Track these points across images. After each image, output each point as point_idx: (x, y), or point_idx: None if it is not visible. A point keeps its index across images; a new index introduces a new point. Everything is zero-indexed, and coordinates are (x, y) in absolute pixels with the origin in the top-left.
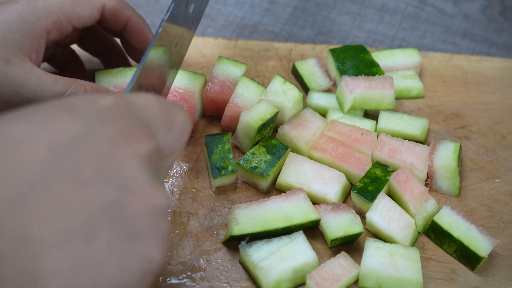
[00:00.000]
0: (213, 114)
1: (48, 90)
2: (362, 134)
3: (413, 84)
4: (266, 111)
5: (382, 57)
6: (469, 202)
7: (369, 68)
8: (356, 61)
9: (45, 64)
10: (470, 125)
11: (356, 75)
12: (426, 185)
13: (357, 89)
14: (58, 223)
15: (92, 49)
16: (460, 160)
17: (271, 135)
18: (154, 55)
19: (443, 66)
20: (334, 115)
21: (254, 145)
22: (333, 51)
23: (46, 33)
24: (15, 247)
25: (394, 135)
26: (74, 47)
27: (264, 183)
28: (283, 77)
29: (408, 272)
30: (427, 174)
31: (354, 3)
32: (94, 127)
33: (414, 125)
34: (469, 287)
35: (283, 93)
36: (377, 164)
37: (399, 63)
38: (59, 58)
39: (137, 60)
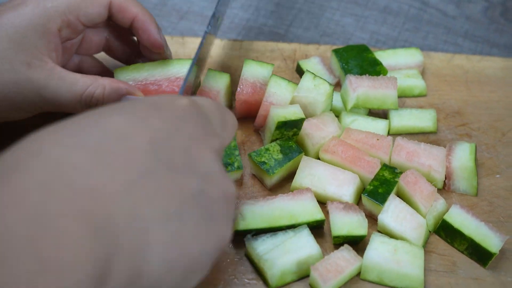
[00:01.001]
0: (245, 116)
1: (68, 90)
2: (377, 139)
3: (415, 83)
4: (294, 113)
5: (385, 56)
6: (469, 197)
7: (373, 67)
8: (359, 60)
9: None
10: (471, 122)
11: (360, 74)
12: (444, 186)
13: (360, 88)
14: (161, 205)
15: (119, 56)
16: (476, 160)
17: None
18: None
19: (444, 65)
20: (348, 119)
21: (272, 142)
22: (336, 51)
23: (58, 32)
24: (128, 224)
25: (408, 130)
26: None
27: (269, 180)
28: (312, 73)
29: (409, 268)
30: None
31: (358, 5)
32: (181, 125)
33: (425, 117)
34: (469, 279)
35: (315, 88)
36: (384, 166)
37: (402, 62)
38: (87, 69)
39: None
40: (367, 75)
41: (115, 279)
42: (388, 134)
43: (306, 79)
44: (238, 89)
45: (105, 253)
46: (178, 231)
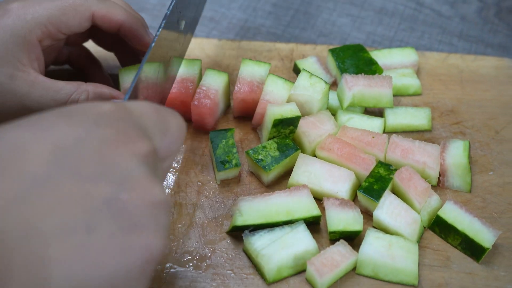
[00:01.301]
0: (242, 115)
1: (52, 99)
2: (373, 137)
3: (411, 82)
4: (290, 111)
5: (381, 56)
6: (463, 193)
7: (368, 66)
8: (355, 59)
9: (65, 66)
10: (465, 121)
11: (356, 73)
12: (439, 183)
13: (356, 86)
14: (62, 216)
15: (105, 44)
16: (470, 157)
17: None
18: (148, 70)
19: (439, 65)
20: (344, 117)
21: (269, 140)
22: (332, 51)
23: (38, 43)
24: (23, 239)
25: (404, 128)
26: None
27: (266, 177)
28: (309, 72)
29: (404, 263)
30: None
31: (354, 5)
32: (92, 130)
33: (420, 116)
34: (462, 273)
35: (311, 86)
36: (380, 163)
37: (397, 61)
38: (76, 59)
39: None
40: (362, 74)
41: None
42: (384, 132)
43: (303, 78)
44: (236, 88)
45: None
46: (86, 244)
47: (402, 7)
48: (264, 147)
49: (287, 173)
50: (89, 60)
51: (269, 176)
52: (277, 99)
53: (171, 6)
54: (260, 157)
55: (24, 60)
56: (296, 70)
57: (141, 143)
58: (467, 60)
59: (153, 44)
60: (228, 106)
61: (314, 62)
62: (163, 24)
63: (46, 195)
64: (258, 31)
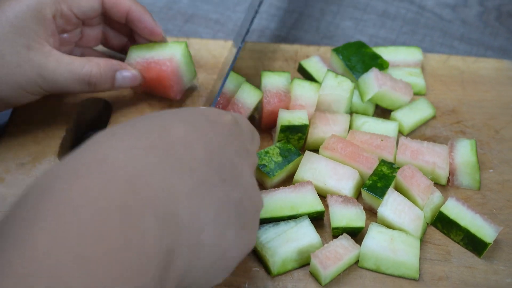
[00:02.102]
0: (270, 127)
1: (66, 69)
2: (382, 140)
3: (416, 81)
4: (299, 118)
5: (386, 53)
6: (464, 190)
7: (374, 60)
8: (360, 56)
9: None
10: (466, 120)
11: (364, 68)
12: (448, 182)
13: (384, 85)
14: (213, 210)
15: (116, 47)
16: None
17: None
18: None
19: (440, 66)
20: (359, 121)
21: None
22: (336, 50)
23: (53, 19)
24: (190, 222)
25: (417, 125)
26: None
27: (269, 182)
28: (333, 72)
29: (405, 256)
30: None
31: (357, 9)
32: (228, 140)
33: (424, 107)
34: (462, 267)
35: (338, 86)
36: (383, 162)
37: (402, 59)
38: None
39: None
40: (389, 74)
41: (175, 270)
42: (404, 134)
43: (329, 78)
44: (265, 101)
45: (171, 244)
46: (224, 234)
47: (404, 10)
48: (267, 152)
49: (289, 178)
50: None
51: (272, 182)
52: (308, 101)
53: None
54: (263, 162)
55: (40, 33)
56: (301, 71)
57: (252, 156)
58: (468, 62)
59: (237, 54)
60: (251, 118)
61: (318, 61)
62: (245, 38)
63: (205, 192)
64: (262, 33)
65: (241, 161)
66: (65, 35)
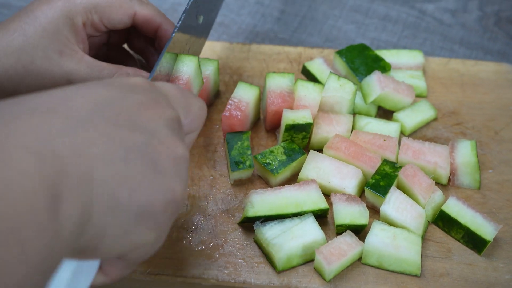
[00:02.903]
0: (275, 127)
1: (97, 76)
2: (384, 140)
3: (418, 84)
4: (303, 117)
5: (388, 55)
6: (464, 189)
7: (377, 63)
8: (363, 58)
9: None
10: (466, 122)
11: (367, 70)
12: (449, 182)
13: (387, 88)
14: (104, 148)
15: (138, 50)
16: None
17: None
18: (167, 60)
19: (441, 69)
20: (362, 121)
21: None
22: (339, 53)
23: (83, 27)
24: (74, 158)
25: (419, 126)
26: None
27: (273, 180)
28: (336, 74)
29: (407, 253)
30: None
31: (359, 13)
32: (128, 94)
33: (425, 108)
34: (463, 264)
35: (341, 88)
36: (385, 161)
37: (404, 62)
38: (114, 58)
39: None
40: (392, 77)
41: (67, 208)
42: (406, 135)
43: (331, 80)
44: (269, 101)
45: (53, 175)
46: (123, 173)
47: (405, 15)
48: (272, 151)
49: (293, 177)
50: (127, 59)
51: (276, 179)
52: (312, 102)
53: (191, 1)
54: (267, 161)
55: (72, 39)
56: (305, 72)
57: (168, 110)
58: (467, 65)
59: (173, 34)
60: (257, 119)
61: (321, 63)
62: (183, 17)
63: (89, 130)
64: (266, 36)
65: (148, 111)
66: (93, 38)
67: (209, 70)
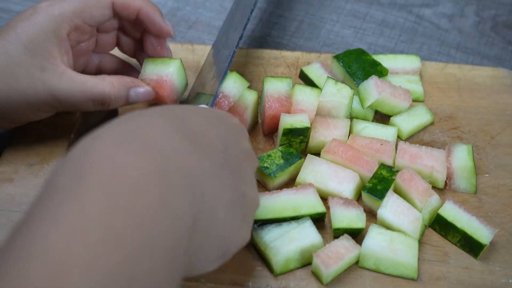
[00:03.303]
0: (273, 131)
1: (79, 89)
2: (381, 144)
3: (415, 88)
4: (300, 121)
5: (386, 60)
6: (460, 193)
7: (374, 67)
8: (360, 63)
9: None
10: (462, 126)
11: (364, 75)
12: (445, 186)
13: (384, 92)
14: (225, 195)
15: (128, 51)
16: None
17: (302, 147)
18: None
19: (438, 73)
20: (359, 126)
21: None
22: (336, 57)
23: (67, 37)
24: (211, 199)
25: (416, 130)
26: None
27: (271, 184)
28: (333, 79)
29: (404, 256)
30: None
31: (356, 18)
32: (237, 138)
33: (422, 113)
34: (459, 267)
35: (338, 92)
36: (382, 165)
37: (401, 66)
38: (108, 67)
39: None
40: (389, 81)
41: (196, 238)
42: (403, 139)
43: (329, 85)
44: (266, 105)
45: (196, 213)
46: (230, 220)
47: (402, 20)
48: (269, 155)
49: (291, 181)
50: (120, 65)
51: (274, 183)
52: (309, 106)
53: (246, 23)
54: (265, 165)
55: (54, 54)
56: (302, 77)
57: (255, 160)
58: (464, 70)
59: (233, 54)
60: (255, 123)
61: (319, 68)
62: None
63: (221, 175)
64: (264, 40)
65: (246, 161)
66: (81, 44)
67: (248, 102)
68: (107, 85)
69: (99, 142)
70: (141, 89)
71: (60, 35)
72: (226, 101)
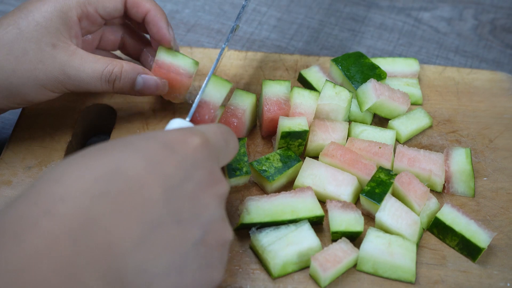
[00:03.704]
0: (271, 134)
1: (90, 67)
2: (380, 148)
3: (413, 92)
4: (299, 124)
5: (384, 63)
6: (459, 197)
7: (372, 71)
8: (358, 66)
9: None
10: (461, 129)
11: (363, 78)
12: (444, 189)
13: (382, 95)
14: (166, 259)
15: (132, 53)
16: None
17: (300, 150)
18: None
19: (436, 77)
20: (357, 129)
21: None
22: (335, 60)
23: (78, 21)
24: (136, 277)
25: (414, 133)
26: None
27: (269, 187)
28: (332, 82)
29: (402, 260)
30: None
31: (355, 21)
32: (190, 172)
33: (420, 116)
34: (457, 271)
35: (336, 95)
36: (380, 169)
37: (399, 70)
38: None
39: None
40: (387, 85)
41: None
42: (401, 142)
43: (327, 88)
44: (265, 108)
45: None
46: (178, 282)
47: (401, 23)
48: (268, 158)
49: (289, 184)
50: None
51: (272, 186)
52: (308, 110)
53: (233, 29)
54: (263, 168)
55: (65, 33)
56: (301, 80)
57: (222, 186)
58: (462, 73)
59: (219, 57)
60: (254, 126)
61: (318, 71)
62: (229, 37)
63: (156, 240)
64: (263, 43)
65: (206, 193)
66: (88, 36)
67: (246, 104)
68: (117, 64)
69: (18, 201)
70: (149, 77)
71: (71, 18)
72: (207, 108)
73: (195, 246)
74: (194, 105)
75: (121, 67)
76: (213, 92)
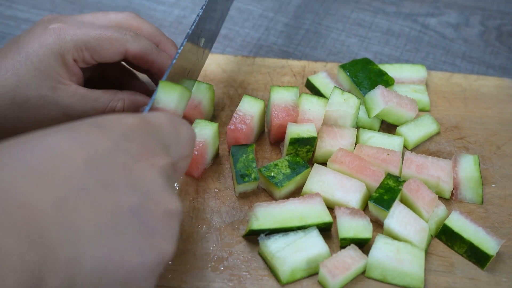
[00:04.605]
0: (279, 141)
1: (92, 108)
2: (388, 154)
3: (421, 98)
4: (307, 131)
5: (392, 70)
6: (467, 204)
7: (380, 77)
8: (366, 72)
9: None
10: (468, 136)
11: (370, 85)
12: (452, 196)
13: (390, 102)
14: (95, 220)
15: (137, 67)
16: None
17: (308, 156)
18: (165, 89)
19: (443, 83)
20: (365, 135)
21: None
22: (343, 67)
23: (74, 63)
24: (63, 236)
25: (422, 140)
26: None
27: (278, 193)
28: (340, 88)
29: (411, 267)
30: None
31: (362, 27)
32: (121, 143)
33: (428, 123)
34: (465, 278)
35: (345, 102)
36: (389, 175)
37: (407, 76)
38: (111, 73)
39: None
40: (395, 91)
41: (50, 286)
42: (409, 149)
43: (336, 94)
44: (273, 114)
45: (38, 262)
46: (114, 245)
47: (407, 29)
48: (276, 165)
49: (297, 190)
50: (123, 72)
51: (281, 192)
52: (316, 116)
53: (193, 25)
54: (272, 174)
55: (64, 74)
56: (309, 86)
57: (161, 157)
58: (469, 80)
59: (174, 60)
60: (262, 132)
61: (325, 77)
62: (184, 42)
63: (80, 201)
64: (270, 49)
65: (142, 164)
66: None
67: (255, 110)
68: (119, 101)
69: None
70: (151, 112)
71: (68, 60)
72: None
73: (132, 211)
74: (152, 99)
75: (123, 102)
76: (166, 101)
